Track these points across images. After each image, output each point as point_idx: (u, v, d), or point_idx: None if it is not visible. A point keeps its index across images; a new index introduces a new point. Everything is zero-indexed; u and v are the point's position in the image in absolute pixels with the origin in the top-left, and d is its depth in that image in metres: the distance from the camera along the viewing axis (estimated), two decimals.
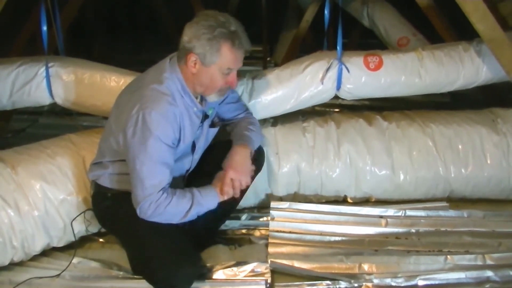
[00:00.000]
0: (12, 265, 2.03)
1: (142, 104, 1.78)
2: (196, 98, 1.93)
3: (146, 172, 1.78)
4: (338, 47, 2.37)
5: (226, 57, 1.81)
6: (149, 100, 1.79)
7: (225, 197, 1.92)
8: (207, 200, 1.88)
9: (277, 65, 3.93)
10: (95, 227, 2.19)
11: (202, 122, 1.98)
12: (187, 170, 2.06)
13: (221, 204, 1.97)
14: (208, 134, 2.07)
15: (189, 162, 2.04)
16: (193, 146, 2.00)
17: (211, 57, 1.80)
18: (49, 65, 2.38)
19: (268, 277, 1.92)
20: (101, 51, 5.04)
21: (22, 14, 3.23)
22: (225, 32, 1.79)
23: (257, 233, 2.30)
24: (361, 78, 2.37)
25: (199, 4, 4.02)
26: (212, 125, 2.08)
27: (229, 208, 2.18)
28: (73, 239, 2.11)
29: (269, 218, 2.28)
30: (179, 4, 4.59)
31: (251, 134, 2.07)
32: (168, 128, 1.80)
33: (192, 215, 1.86)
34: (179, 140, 1.89)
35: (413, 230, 2.20)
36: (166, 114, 1.80)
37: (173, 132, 1.83)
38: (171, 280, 1.77)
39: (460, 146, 2.42)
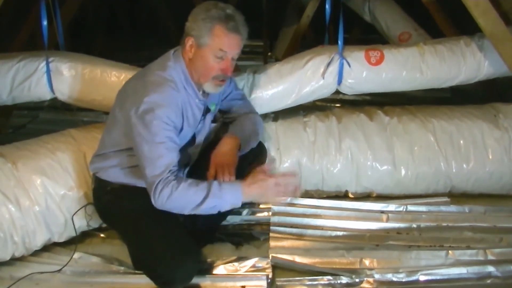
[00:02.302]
0: (13, 261, 2.03)
1: (146, 88, 1.80)
2: (199, 90, 1.93)
3: (154, 152, 1.75)
4: (339, 42, 2.36)
5: (218, 38, 1.80)
6: (152, 85, 1.80)
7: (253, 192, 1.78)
8: (226, 193, 1.76)
9: (278, 60, 3.92)
10: (96, 222, 2.19)
11: (203, 115, 1.98)
12: (187, 164, 2.05)
13: None
14: (210, 129, 2.06)
15: (189, 156, 2.03)
16: (193, 139, 1.99)
17: (204, 38, 1.80)
18: (50, 60, 2.38)
19: (269, 272, 1.93)
20: (101, 51, 5.03)
21: (23, 11, 3.22)
22: (220, 13, 1.80)
23: (258, 228, 2.30)
24: (362, 72, 2.36)
25: (199, 2, 4.01)
26: (214, 120, 2.08)
27: None
28: (74, 234, 2.11)
29: (270, 213, 2.28)
30: (179, 3, 4.58)
31: (245, 129, 2.06)
32: (170, 112, 1.80)
33: (208, 208, 1.75)
34: (181, 128, 1.88)
35: (414, 225, 2.20)
36: (168, 97, 1.80)
37: (175, 116, 1.82)
38: (170, 276, 1.76)
39: (461, 142, 2.42)
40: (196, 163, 2.08)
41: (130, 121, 1.80)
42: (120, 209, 1.95)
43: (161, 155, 1.76)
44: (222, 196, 1.75)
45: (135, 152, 1.83)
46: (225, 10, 1.81)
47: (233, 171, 1.91)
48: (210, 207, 1.75)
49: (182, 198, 1.74)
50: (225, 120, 2.21)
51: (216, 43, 1.81)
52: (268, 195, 1.79)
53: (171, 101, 1.81)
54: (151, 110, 1.76)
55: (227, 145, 1.97)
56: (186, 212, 1.77)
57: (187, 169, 2.06)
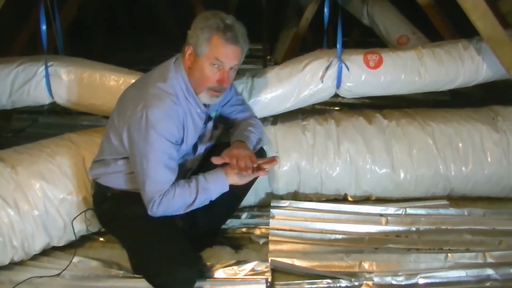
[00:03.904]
0: (12, 265, 2.03)
1: (146, 102, 1.79)
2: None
3: (154, 170, 1.79)
4: (338, 45, 2.37)
5: (215, 48, 1.79)
6: (153, 98, 1.80)
7: (234, 178, 1.88)
8: (213, 184, 1.85)
9: (277, 63, 3.92)
10: (95, 227, 2.19)
11: (205, 123, 1.98)
12: (189, 170, 2.06)
13: (223, 203, 1.97)
14: (211, 135, 2.07)
15: (191, 163, 2.04)
16: (195, 146, 2.00)
17: (201, 47, 1.80)
18: (49, 64, 2.38)
19: (268, 275, 1.92)
20: (101, 52, 5.03)
21: (22, 14, 3.23)
22: (219, 23, 1.79)
23: (257, 231, 2.30)
24: (361, 76, 2.36)
25: (199, 3, 4.02)
26: (215, 126, 2.07)
27: (231, 208, 2.18)
28: (73, 238, 2.11)
29: (269, 216, 2.28)
30: (179, 3, 4.59)
31: (249, 134, 2.06)
32: (171, 126, 1.81)
33: (201, 202, 1.84)
34: (182, 141, 1.89)
35: (413, 228, 2.20)
36: (169, 112, 1.81)
37: (177, 130, 1.83)
38: (169, 283, 1.77)
39: (460, 144, 2.42)
40: (198, 169, 2.08)
41: (129, 133, 1.81)
42: (119, 215, 1.96)
43: (161, 172, 1.80)
44: (210, 188, 1.84)
45: (132, 163, 1.84)
46: (224, 20, 1.79)
47: (255, 158, 1.91)
48: (202, 201, 1.84)
49: (177, 203, 1.82)
50: (226, 126, 2.21)
51: (213, 52, 1.79)
52: (247, 177, 1.89)
53: (172, 115, 1.81)
54: (152, 126, 1.76)
55: (239, 145, 1.96)
56: (181, 211, 1.85)
57: (188, 174, 2.06)
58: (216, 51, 1.79)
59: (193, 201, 1.83)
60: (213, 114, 2.03)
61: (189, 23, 1.87)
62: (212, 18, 1.80)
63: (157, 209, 1.80)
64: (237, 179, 1.88)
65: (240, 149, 1.92)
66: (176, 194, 1.80)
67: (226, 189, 1.88)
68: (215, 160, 1.88)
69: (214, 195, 1.87)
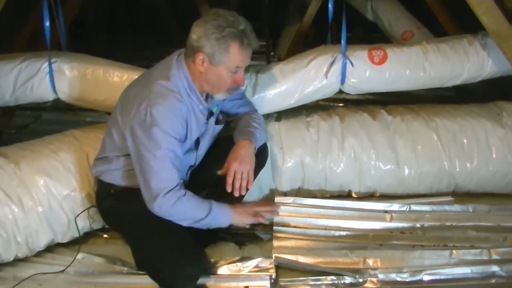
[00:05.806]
0: (17, 261, 2.03)
1: (150, 100, 1.79)
2: (202, 96, 1.93)
3: (161, 166, 1.79)
4: (342, 41, 2.36)
5: (234, 57, 1.81)
6: (157, 96, 1.80)
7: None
8: (218, 212, 1.90)
9: (280, 59, 3.91)
10: (99, 224, 2.19)
11: (207, 119, 1.98)
12: (191, 166, 2.06)
13: (225, 201, 1.97)
14: (213, 131, 2.07)
15: (194, 158, 2.04)
16: (197, 142, 1.99)
17: (219, 57, 1.80)
18: (52, 60, 2.38)
19: (272, 272, 1.92)
20: (101, 51, 5.01)
21: (25, 11, 3.22)
22: (234, 31, 1.78)
23: (261, 228, 2.28)
24: (365, 72, 2.35)
25: (204, 1, 4.00)
26: (217, 122, 2.07)
27: None
28: (77, 234, 2.12)
29: None
30: (179, 3, 4.58)
31: (254, 131, 2.06)
32: (176, 123, 1.82)
33: (206, 224, 1.89)
34: (186, 137, 1.89)
35: (418, 225, 2.19)
36: (173, 110, 1.81)
37: (181, 127, 1.84)
38: (173, 280, 1.77)
39: (465, 140, 2.41)
40: (200, 165, 2.09)
41: (134, 132, 1.81)
42: (123, 212, 1.96)
43: (167, 168, 1.80)
44: (219, 217, 1.91)
45: (134, 161, 1.84)
46: (238, 27, 1.79)
47: (252, 179, 1.98)
48: (207, 223, 1.88)
49: (185, 209, 1.84)
50: (227, 119, 2.21)
51: (232, 61, 1.81)
52: (248, 220, 2.01)
53: (176, 113, 1.82)
54: (157, 124, 1.77)
55: (244, 149, 1.98)
56: (185, 224, 1.86)
57: (190, 171, 2.06)
58: (236, 60, 1.82)
59: (203, 218, 1.86)
60: (214, 110, 2.03)
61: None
62: (226, 27, 1.78)
63: (159, 207, 1.80)
64: (241, 219, 1.98)
65: (243, 162, 1.95)
66: (191, 203, 1.84)
67: (225, 225, 1.96)
68: (220, 172, 1.97)
69: (215, 225, 1.92)
